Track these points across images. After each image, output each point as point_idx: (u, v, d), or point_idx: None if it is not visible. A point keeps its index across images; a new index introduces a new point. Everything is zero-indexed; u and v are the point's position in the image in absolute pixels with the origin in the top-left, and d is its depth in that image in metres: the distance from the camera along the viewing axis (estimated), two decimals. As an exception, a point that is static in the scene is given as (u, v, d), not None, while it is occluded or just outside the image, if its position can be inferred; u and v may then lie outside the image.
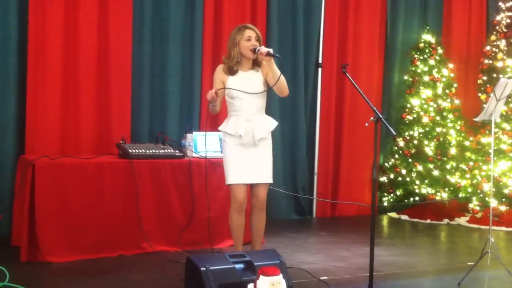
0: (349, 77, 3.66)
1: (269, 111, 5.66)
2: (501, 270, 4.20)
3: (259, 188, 3.95)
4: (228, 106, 4.01)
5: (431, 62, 6.80)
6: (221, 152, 4.90)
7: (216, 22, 5.84)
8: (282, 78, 3.84)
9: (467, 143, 6.77)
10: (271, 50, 3.78)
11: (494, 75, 6.68)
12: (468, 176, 6.65)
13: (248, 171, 3.87)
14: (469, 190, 6.62)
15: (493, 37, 6.94)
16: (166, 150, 4.77)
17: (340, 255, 4.78)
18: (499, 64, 6.74)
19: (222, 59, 4.01)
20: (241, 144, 3.88)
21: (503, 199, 6.37)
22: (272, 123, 4.00)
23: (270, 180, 3.99)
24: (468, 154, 6.72)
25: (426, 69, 6.78)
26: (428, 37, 6.87)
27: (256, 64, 3.94)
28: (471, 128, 6.84)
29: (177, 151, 4.82)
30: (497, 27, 6.95)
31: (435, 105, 6.71)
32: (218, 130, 5.25)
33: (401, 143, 6.74)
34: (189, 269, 3.33)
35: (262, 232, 4.12)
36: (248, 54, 3.87)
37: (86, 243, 4.34)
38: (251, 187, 3.97)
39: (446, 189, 6.59)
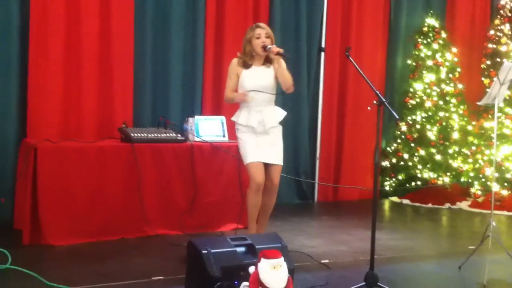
0: (352, 60, 3.64)
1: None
2: (502, 254, 4.20)
3: (274, 171, 4.14)
4: None
5: (435, 46, 6.76)
6: (223, 136, 4.96)
7: (218, 7, 5.79)
8: (288, 76, 4.10)
9: (469, 127, 6.76)
10: (281, 51, 4.03)
11: (498, 59, 6.64)
12: (470, 160, 6.65)
13: (263, 153, 4.11)
14: (471, 174, 6.62)
15: (497, 21, 6.89)
16: (168, 134, 4.77)
17: (341, 239, 4.80)
18: (503, 49, 6.70)
19: (237, 54, 4.24)
20: (254, 132, 4.13)
21: (505, 184, 6.37)
22: (281, 114, 4.24)
23: (281, 162, 4.21)
24: (470, 138, 6.71)
25: (429, 53, 6.75)
26: (431, 21, 6.82)
27: (267, 60, 4.18)
28: (474, 112, 6.81)
29: (179, 135, 4.82)
30: (501, 11, 6.90)
31: (438, 90, 6.69)
32: (221, 114, 5.29)
33: (404, 128, 6.73)
34: (191, 252, 3.34)
35: (269, 213, 4.30)
36: (259, 51, 4.09)
37: (88, 226, 4.36)
38: (266, 171, 4.14)
39: (448, 174, 6.60)
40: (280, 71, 4.09)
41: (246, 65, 4.16)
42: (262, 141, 4.11)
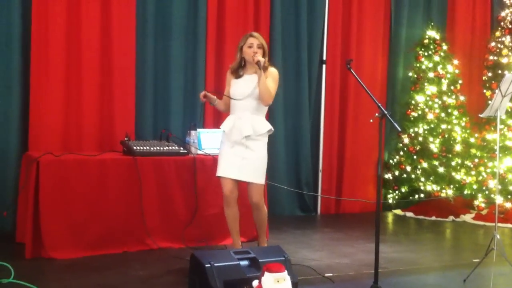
0: (353, 72, 3.65)
1: (273, 108, 5.69)
2: (507, 267, 4.18)
3: (251, 189, 4.11)
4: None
5: (436, 58, 6.78)
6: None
7: (219, 18, 5.82)
8: (265, 88, 4.00)
9: (472, 139, 6.75)
10: (261, 61, 3.97)
11: (499, 71, 6.66)
12: (473, 173, 6.63)
13: (233, 167, 4.07)
14: (474, 187, 6.60)
15: (498, 33, 6.92)
16: (170, 147, 4.77)
17: (344, 251, 4.77)
18: (504, 60, 6.72)
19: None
20: (231, 141, 4.10)
21: (509, 196, 6.35)
22: (263, 126, 4.11)
23: (258, 181, 4.09)
24: (473, 150, 6.70)
25: (430, 65, 6.76)
26: (432, 33, 6.84)
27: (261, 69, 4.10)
28: (476, 124, 6.81)
29: (181, 148, 4.81)
30: (502, 23, 6.93)
31: (440, 102, 6.69)
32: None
33: (406, 140, 6.72)
34: (194, 266, 3.33)
35: (264, 227, 4.30)
36: (249, 58, 4.09)
37: (90, 240, 4.34)
38: (247, 188, 4.15)
39: (451, 186, 6.58)
40: (259, 81, 4.00)
41: (237, 74, 4.18)
42: (235, 153, 4.06)
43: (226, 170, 4.08)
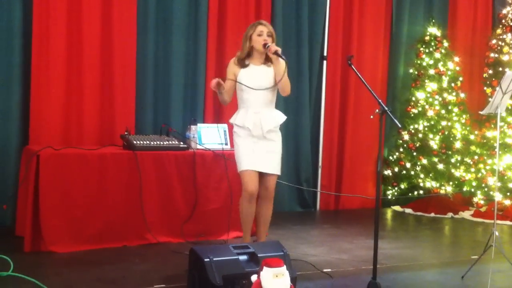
0: (355, 69, 3.65)
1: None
2: (505, 264, 4.19)
3: (269, 179, 4.03)
4: (238, 98, 4.11)
5: (437, 55, 6.77)
6: (226, 144, 4.95)
7: (221, 14, 5.82)
8: (286, 79, 3.95)
9: (472, 137, 6.75)
10: (279, 50, 3.87)
11: (500, 68, 6.66)
12: (472, 170, 6.64)
13: (259, 160, 3.97)
14: (474, 184, 6.61)
15: (499, 31, 6.91)
16: (170, 142, 4.77)
17: (343, 247, 4.78)
18: (505, 58, 6.71)
19: (236, 53, 4.13)
20: (252, 136, 3.99)
21: (508, 193, 6.36)
22: (281, 117, 4.09)
23: (279, 172, 4.10)
24: (473, 148, 6.70)
25: (431, 62, 6.76)
26: (433, 30, 6.83)
27: (268, 59, 4.03)
28: (476, 121, 6.81)
29: (181, 143, 4.81)
30: (503, 21, 6.92)
31: (440, 99, 6.69)
32: (223, 122, 5.29)
33: (406, 137, 6.72)
34: (193, 260, 3.34)
35: (268, 223, 4.20)
36: (259, 48, 3.96)
37: (90, 234, 4.35)
38: (261, 178, 4.03)
39: (451, 183, 6.58)
40: (276, 70, 3.93)
41: (243, 64, 4.02)
42: (258, 147, 3.97)
43: (253, 163, 3.94)
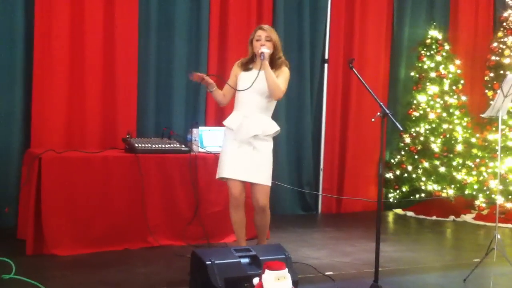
0: (356, 72, 3.65)
1: (275, 107, 5.68)
2: (507, 267, 4.19)
3: (257, 191, 3.90)
4: (235, 100, 4.07)
5: (438, 58, 6.78)
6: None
7: (222, 17, 5.83)
8: (273, 81, 3.80)
9: (473, 139, 6.75)
10: (264, 53, 3.77)
11: (501, 71, 6.65)
12: (474, 173, 6.63)
13: (241, 167, 3.87)
14: (476, 187, 6.61)
15: (500, 34, 6.91)
16: (172, 145, 4.77)
17: (345, 250, 4.78)
18: (506, 61, 6.71)
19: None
20: (238, 140, 3.90)
21: (510, 196, 6.35)
22: (271, 127, 3.94)
23: (265, 182, 3.90)
24: (474, 150, 6.70)
25: (432, 65, 6.76)
26: (435, 33, 6.84)
27: (272, 64, 3.91)
28: (478, 124, 6.81)
29: (183, 146, 4.82)
30: (505, 24, 6.92)
31: (441, 102, 6.69)
32: (223, 125, 5.28)
33: (408, 140, 6.73)
34: (195, 263, 3.34)
35: (266, 230, 4.13)
36: (257, 53, 3.90)
37: (92, 237, 4.36)
38: (251, 189, 3.95)
39: (452, 186, 6.58)
40: (265, 73, 3.79)
41: (246, 68, 4.00)
42: (242, 152, 3.85)
43: (234, 171, 3.86)
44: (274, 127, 3.95)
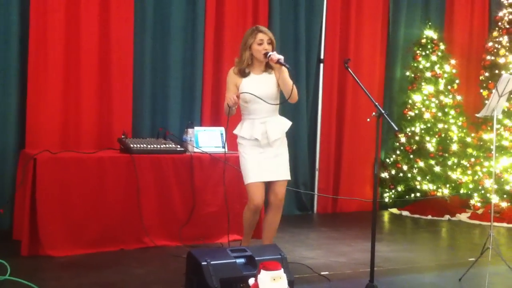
0: (351, 72, 3.66)
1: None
2: (502, 266, 4.20)
3: (278, 186, 3.91)
4: (242, 109, 3.98)
5: (433, 58, 6.79)
6: (223, 147, 4.95)
7: (218, 17, 5.82)
8: (293, 87, 3.81)
9: (468, 139, 6.77)
10: (281, 59, 3.77)
11: (496, 71, 6.67)
12: (469, 172, 6.65)
13: (266, 169, 3.86)
14: (471, 186, 6.62)
15: (495, 33, 6.93)
16: (167, 145, 4.77)
17: (341, 250, 4.79)
18: (501, 60, 6.73)
19: (235, 61, 3.99)
20: (258, 146, 3.89)
21: (505, 196, 6.38)
22: (287, 124, 3.99)
23: (288, 177, 3.97)
24: (469, 150, 6.72)
25: (428, 65, 6.77)
26: (430, 32, 6.85)
27: (268, 66, 3.92)
28: (473, 124, 6.83)
29: (178, 146, 4.82)
30: (500, 23, 6.94)
31: (437, 101, 6.71)
32: (220, 126, 5.28)
33: (403, 139, 6.74)
34: (190, 264, 3.34)
35: (276, 230, 4.07)
36: (260, 57, 3.85)
37: (87, 238, 4.35)
38: (270, 185, 3.94)
39: (448, 185, 6.60)
40: (281, 79, 3.81)
41: (243, 74, 3.89)
42: (265, 155, 3.86)
43: (260, 175, 3.84)
44: (288, 124, 4.01)
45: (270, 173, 3.87)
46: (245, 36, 3.92)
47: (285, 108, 6.18)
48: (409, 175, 6.64)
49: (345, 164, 6.65)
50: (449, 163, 6.59)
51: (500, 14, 6.96)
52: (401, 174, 6.70)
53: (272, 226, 4.01)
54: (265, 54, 3.82)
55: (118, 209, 4.46)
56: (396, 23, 6.93)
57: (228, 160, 4.72)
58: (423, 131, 6.65)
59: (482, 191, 6.53)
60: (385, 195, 6.81)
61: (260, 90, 3.84)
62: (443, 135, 6.63)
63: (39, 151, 4.31)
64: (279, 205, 3.95)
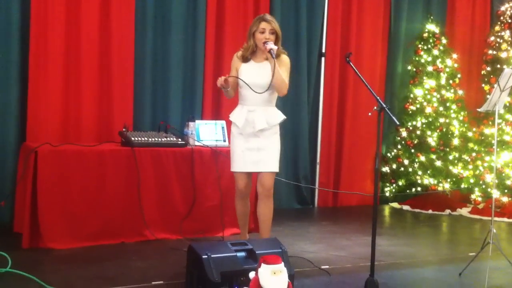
0: (353, 66, 3.64)
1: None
2: (503, 261, 4.20)
3: (263, 177, 3.96)
4: (238, 94, 4.06)
5: (435, 52, 6.78)
6: (224, 140, 4.95)
7: (219, 11, 5.81)
8: (280, 78, 3.83)
9: (470, 133, 6.76)
10: (273, 49, 3.77)
11: (498, 65, 6.66)
12: (470, 167, 6.65)
13: (249, 160, 3.94)
14: (472, 181, 6.62)
15: (497, 28, 6.91)
16: (168, 139, 4.76)
17: (341, 244, 4.79)
18: (503, 55, 6.71)
19: (243, 46, 4.02)
20: (244, 135, 3.94)
21: (506, 190, 6.37)
22: (278, 117, 3.98)
23: (274, 169, 3.98)
24: (471, 145, 6.72)
25: (429, 59, 6.76)
26: (432, 27, 6.83)
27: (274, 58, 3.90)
28: (474, 119, 6.82)
29: (179, 140, 4.81)
30: (502, 18, 6.92)
31: (438, 96, 6.70)
32: (221, 119, 5.28)
33: (404, 134, 6.73)
34: (191, 257, 3.34)
35: (270, 222, 4.07)
36: (261, 45, 3.87)
37: (88, 230, 4.35)
38: (258, 175, 4.00)
39: (449, 180, 6.60)
40: (272, 69, 3.79)
41: (245, 59, 3.95)
42: (250, 145, 3.91)
43: (243, 165, 3.95)
44: (279, 117, 3.99)
45: (253, 165, 3.94)
46: (252, 24, 3.96)
47: (287, 101, 6.20)
48: (410, 169, 6.64)
49: (346, 158, 6.65)
50: (450, 157, 6.59)
51: (502, 8, 6.94)
52: (402, 169, 6.70)
53: (265, 217, 4.02)
54: (265, 43, 3.84)
55: (119, 202, 4.47)
56: (398, 17, 6.91)
57: (229, 154, 4.72)
58: (424, 126, 6.65)
59: (483, 186, 6.53)
60: (386, 189, 6.81)
61: (254, 77, 3.88)
62: (444, 130, 6.62)
63: (40, 144, 4.31)
64: (267, 195, 3.98)
